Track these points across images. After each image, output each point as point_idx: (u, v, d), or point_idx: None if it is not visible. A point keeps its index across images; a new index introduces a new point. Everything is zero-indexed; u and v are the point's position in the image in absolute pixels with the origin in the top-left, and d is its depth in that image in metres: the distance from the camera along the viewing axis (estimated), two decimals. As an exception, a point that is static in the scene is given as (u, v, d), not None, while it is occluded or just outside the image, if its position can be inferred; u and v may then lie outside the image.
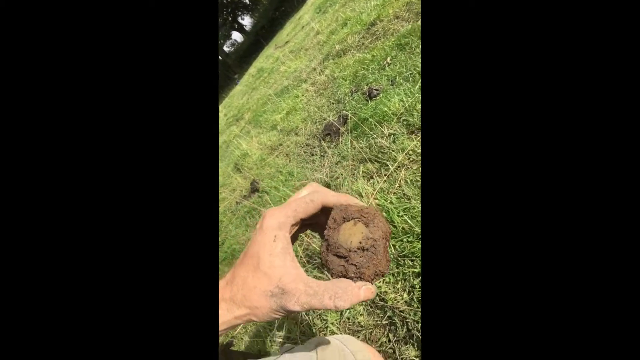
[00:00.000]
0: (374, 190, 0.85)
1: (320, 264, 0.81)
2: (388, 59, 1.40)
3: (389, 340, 0.61)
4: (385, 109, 1.07)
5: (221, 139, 3.29)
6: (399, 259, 0.67)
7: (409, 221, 0.69)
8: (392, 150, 0.93)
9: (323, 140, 1.43)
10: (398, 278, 0.66)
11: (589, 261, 0.22)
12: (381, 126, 1.05)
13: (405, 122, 0.97)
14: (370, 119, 1.11)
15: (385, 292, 0.66)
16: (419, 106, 0.96)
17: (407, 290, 0.63)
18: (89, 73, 0.27)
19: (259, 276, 0.32)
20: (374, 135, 1.04)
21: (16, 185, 0.25)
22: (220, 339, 0.97)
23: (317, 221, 0.36)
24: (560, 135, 0.23)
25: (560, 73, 0.24)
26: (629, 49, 0.22)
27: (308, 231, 0.39)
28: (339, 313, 0.73)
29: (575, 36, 0.24)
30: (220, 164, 2.64)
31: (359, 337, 0.66)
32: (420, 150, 0.85)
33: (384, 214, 0.74)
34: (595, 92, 0.23)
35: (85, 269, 0.26)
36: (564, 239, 0.23)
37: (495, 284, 0.24)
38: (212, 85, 0.31)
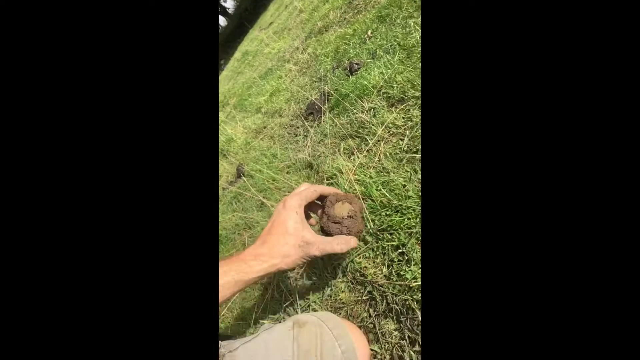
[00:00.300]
0: (353, 166, 0.83)
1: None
2: (369, 32, 1.35)
3: (370, 315, 0.61)
4: (366, 82, 1.04)
5: (208, 126, 3.22)
6: (378, 233, 0.65)
7: (387, 194, 0.67)
8: (372, 125, 0.90)
9: (306, 119, 1.40)
10: (377, 253, 0.65)
11: (586, 253, 0.22)
12: (362, 101, 1.02)
13: (385, 95, 0.94)
14: (351, 94, 1.08)
15: (365, 267, 0.65)
16: (399, 77, 0.92)
17: (386, 264, 0.62)
18: (89, 73, 0.26)
19: (288, 236, 0.49)
20: (355, 111, 1.01)
21: (13, 179, 0.24)
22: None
23: (312, 206, 0.59)
24: (559, 132, 0.23)
25: (558, 69, 0.23)
26: (629, 49, 0.21)
27: None
28: (321, 292, 0.71)
29: (574, 33, 0.23)
30: (207, 151, 2.58)
31: (340, 314, 0.65)
32: (400, 123, 0.82)
33: (359, 195, 0.73)
34: (595, 91, 0.22)
35: (81, 261, 0.25)
36: (563, 231, 0.22)
37: (495, 284, 0.23)
38: (212, 84, 0.30)
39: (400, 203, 0.64)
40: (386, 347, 0.55)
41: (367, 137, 0.89)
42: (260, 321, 0.80)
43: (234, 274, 0.46)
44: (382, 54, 1.12)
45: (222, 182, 1.78)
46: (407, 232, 0.60)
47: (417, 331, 0.51)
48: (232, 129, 2.24)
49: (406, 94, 0.87)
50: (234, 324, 0.91)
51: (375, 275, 0.62)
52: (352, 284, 0.67)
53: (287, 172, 1.20)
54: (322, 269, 0.74)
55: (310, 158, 1.10)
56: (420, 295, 0.53)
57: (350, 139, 0.96)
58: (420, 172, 0.67)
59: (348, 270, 0.68)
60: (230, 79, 4.16)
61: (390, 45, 1.12)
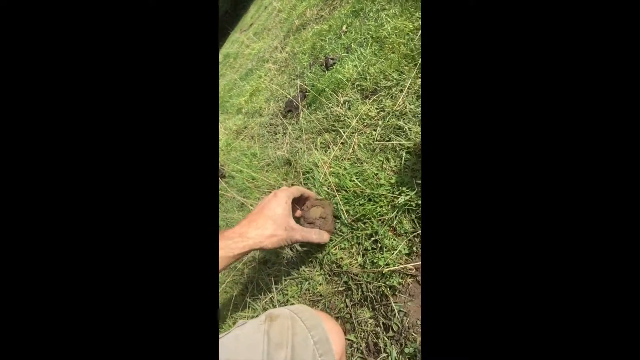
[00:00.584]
0: (328, 159, 0.82)
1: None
2: (344, 27, 1.35)
3: (346, 306, 0.60)
4: (340, 76, 1.04)
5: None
6: (352, 223, 0.65)
7: (360, 184, 0.67)
8: (347, 117, 0.90)
9: (285, 117, 1.39)
10: (352, 243, 0.64)
11: (584, 246, 0.21)
12: (337, 95, 1.01)
13: (359, 87, 0.94)
14: (327, 89, 1.07)
15: (341, 257, 0.64)
16: (372, 69, 0.92)
17: (360, 253, 0.61)
18: (89, 72, 0.26)
19: (276, 218, 0.56)
20: (330, 105, 1.01)
21: (13, 179, 0.24)
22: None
23: (293, 205, 0.65)
24: (559, 130, 0.23)
25: (558, 66, 0.23)
26: (629, 49, 0.21)
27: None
28: (299, 286, 0.71)
29: (574, 30, 0.23)
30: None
31: (318, 307, 0.65)
32: (373, 114, 0.82)
33: (334, 187, 0.73)
34: (595, 91, 0.22)
35: (80, 258, 0.25)
36: (563, 228, 0.22)
37: (494, 284, 0.23)
38: (212, 81, 0.30)
39: (372, 192, 0.64)
40: (362, 335, 0.54)
41: (342, 130, 0.88)
42: (239, 320, 0.78)
43: (220, 252, 0.50)
44: (356, 47, 1.12)
45: (204, 185, 1.75)
46: (380, 219, 0.60)
47: (390, 316, 0.51)
48: (213, 131, 2.21)
49: (379, 85, 0.87)
50: (215, 325, 0.90)
51: (350, 265, 0.62)
52: (329, 275, 0.66)
53: (266, 171, 1.19)
54: (299, 264, 0.74)
55: (289, 155, 1.09)
56: (393, 281, 0.53)
57: (326, 133, 0.96)
58: (392, 160, 0.67)
59: (325, 262, 0.68)
60: (212, 82, 4.11)
61: (364, 39, 1.12)
